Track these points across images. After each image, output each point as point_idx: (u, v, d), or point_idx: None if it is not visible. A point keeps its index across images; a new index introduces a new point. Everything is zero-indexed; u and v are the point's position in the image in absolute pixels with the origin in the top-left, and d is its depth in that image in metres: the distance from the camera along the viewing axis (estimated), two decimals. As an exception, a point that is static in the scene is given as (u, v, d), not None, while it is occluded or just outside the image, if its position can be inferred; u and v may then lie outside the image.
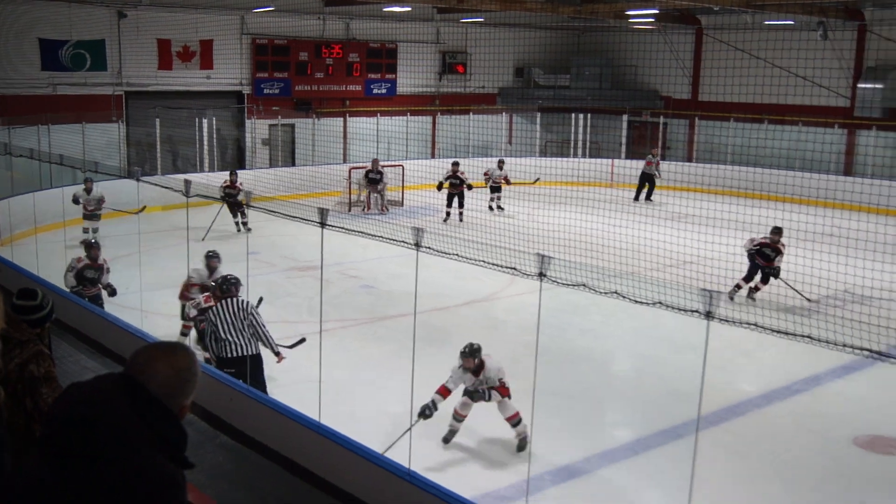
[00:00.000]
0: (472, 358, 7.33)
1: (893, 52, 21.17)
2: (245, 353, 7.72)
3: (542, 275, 5.44)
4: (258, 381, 7.82)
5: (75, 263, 10.03)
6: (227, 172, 17.97)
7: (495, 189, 20.13)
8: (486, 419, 7.70)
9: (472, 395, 7.42)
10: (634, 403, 9.18)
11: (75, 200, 15.32)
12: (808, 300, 12.24)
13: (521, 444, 7.56)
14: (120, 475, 1.99)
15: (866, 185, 17.49)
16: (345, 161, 23.45)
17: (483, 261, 6.18)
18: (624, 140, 25.68)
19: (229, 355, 7.67)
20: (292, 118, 23.76)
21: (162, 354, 2.19)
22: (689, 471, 4.93)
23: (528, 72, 27.79)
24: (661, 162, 22.34)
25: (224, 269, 9.54)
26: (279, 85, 23.52)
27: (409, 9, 23.01)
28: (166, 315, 10.69)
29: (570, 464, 7.42)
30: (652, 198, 21.82)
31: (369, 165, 19.93)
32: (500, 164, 20.30)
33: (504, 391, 7.42)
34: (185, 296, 9.65)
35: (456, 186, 18.72)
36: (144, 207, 12.41)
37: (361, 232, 6.90)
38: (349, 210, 19.69)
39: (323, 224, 6.75)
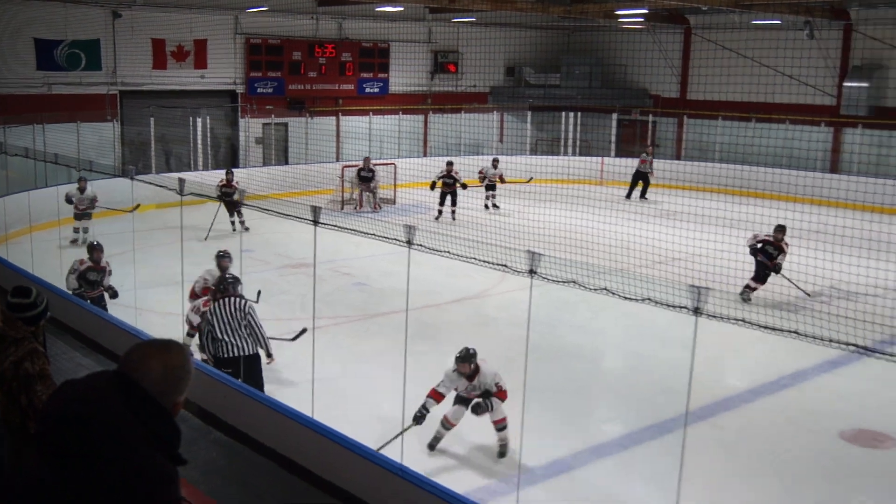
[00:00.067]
0: (467, 363, 7.22)
1: (879, 51, 21.34)
2: (242, 354, 7.67)
3: (532, 272, 5.50)
4: (256, 381, 7.77)
5: (77, 265, 9.91)
6: (222, 171, 18.01)
7: (490, 187, 20.24)
8: (469, 420, 7.56)
9: (476, 409, 7.27)
10: (624, 399, 9.24)
11: (68, 199, 15.36)
12: (808, 294, 12.37)
13: (502, 451, 7.46)
14: (116, 473, 2.00)
15: (852, 183, 17.66)
16: (337, 159, 23.48)
17: (474, 258, 6.21)
18: (613, 138, 25.79)
19: (226, 355, 7.63)
20: (285, 117, 23.80)
21: (155, 352, 2.18)
22: (678, 465, 4.97)
23: (519, 71, 27.87)
24: (654, 160, 22.47)
25: (209, 267, 9.58)
26: (273, 84, 23.55)
27: (401, 9, 23.07)
28: (160, 313, 10.75)
29: (561, 458, 7.49)
30: (646, 196, 21.93)
31: (361, 164, 20.02)
32: (495, 162, 20.39)
33: (503, 395, 7.30)
34: (195, 296, 9.43)
35: (449, 185, 18.81)
36: (138, 206, 12.42)
37: (354, 230, 6.92)
38: (342, 208, 19.74)
39: (316, 222, 6.81)
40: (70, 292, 9.75)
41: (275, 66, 23.47)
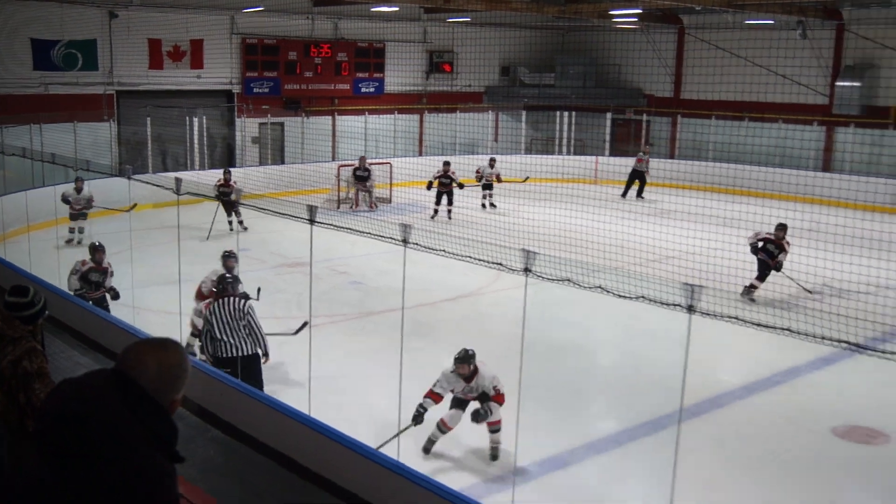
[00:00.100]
0: (466, 364, 7.16)
1: (871, 50, 21.42)
2: (241, 354, 7.67)
3: (527, 270, 5.55)
4: (256, 381, 7.75)
5: (80, 266, 9.91)
6: (218, 171, 18.04)
7: (487, 187, 20.29)
8: (463, 421, 7.54)
9: (476, 417, 7.24)
10: (618, 396, 9.28)
11: (65, 199, 15.38)
12: (810, 292, 12.44)
13: (494, 453, 7.41)
14: (114, 471, 2.01)
15: (845, 181, 17.77)
16: (333, 159, 23.53)
17: (469, 256, 6.23)
18: (608, 137, 25.87)
19: (225, 355, 7.62)
20: (282, 117, 23.81)
21: (152, 350, 2.20)
22: (673, 461, 5.00)
23: (514, 70, 27.93)
24: (650, 160, 22.52)
25: (215, 267, 9.63)
26: (269, 84, 23.58)
27: (396, 9, 23.09)
28: (157, 311, 10.79)
29: (556, 455, 7.52)
30: (643, 195, 21.95)
31: (357, 163, 20.06)
32: (492, 162, 20.45)
33: (500, 399, 7.22)
34: (202, 297, 9.34)
35: (446, 185, 18.87)
36: (135, 205, 12.48)
37: (350, 229, 6.94)
38: (338, 207, 19.78)
39: (312, 221, 6.85)
40: (72, 293, 9.75)
41: (271, 66, 23.49)
